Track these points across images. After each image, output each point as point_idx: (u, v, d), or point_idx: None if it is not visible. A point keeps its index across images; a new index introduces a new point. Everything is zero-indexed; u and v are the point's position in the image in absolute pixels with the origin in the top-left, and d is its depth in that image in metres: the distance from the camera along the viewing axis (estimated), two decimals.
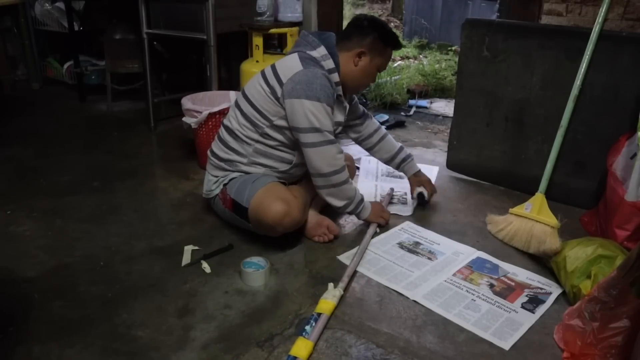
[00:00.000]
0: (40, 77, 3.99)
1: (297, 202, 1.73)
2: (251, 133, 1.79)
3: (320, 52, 1.76)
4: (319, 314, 1.41)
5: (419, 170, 2.12)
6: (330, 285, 1.54)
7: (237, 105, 1.85)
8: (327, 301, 1.46)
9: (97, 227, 1.92)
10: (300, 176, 1.95)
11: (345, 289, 1.56)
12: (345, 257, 1.74)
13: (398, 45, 1.89)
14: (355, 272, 1.66)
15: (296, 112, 1.68)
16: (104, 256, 1.73)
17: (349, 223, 2.00)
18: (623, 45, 1.91)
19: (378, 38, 1.80)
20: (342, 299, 1.52)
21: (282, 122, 1.75)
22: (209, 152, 1.92)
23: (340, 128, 1.92)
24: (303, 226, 1.83)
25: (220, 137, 1.89)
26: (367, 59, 1.81)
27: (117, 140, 2.91)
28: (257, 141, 1.80)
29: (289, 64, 1.74)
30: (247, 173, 1.82)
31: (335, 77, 1.78)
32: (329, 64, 1.77)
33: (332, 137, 1.73)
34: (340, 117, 1.86)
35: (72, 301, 1.50)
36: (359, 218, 1.91)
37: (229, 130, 1.85)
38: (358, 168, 2.48)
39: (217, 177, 1.87)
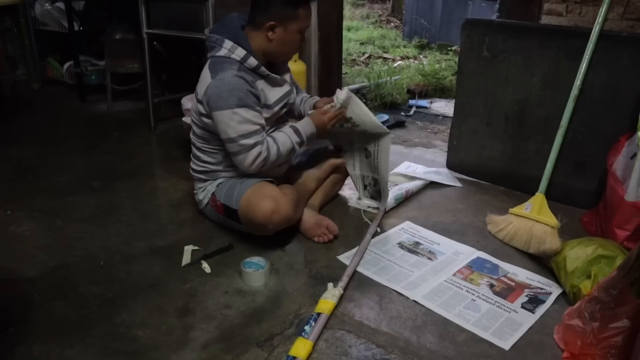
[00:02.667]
0: (40, 77, 3.99)
1: (286, 198, 1.72)
2: (212, 147, 1.81)
3: (226, 46, 1.71)
4: (319, 314, 1.41)
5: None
6: (330, 285, 1.54)
7: (192, 126, 1.87)
8: (327, 301, 1.46)
9: (97, 227, 1.92)
10: (282, 164, 1.91)
11: (345, 289, 1.56)
12: (345, 257, 1.74)
13: None
14: (355, 272, 1.66)
15: (216, 124, 1.70)
16: (104, 256, 1.73)
17: (349, 223, 2.00)
18: (623, 45, 1.91)
19: (283, 3, 1.70)
20: (342, 298, 1.52)
21: None
22: (190, 170, 1.94)
23: (283, 103, 1.86)
24: (300, 225, 1.84)
25: (192, 154, 1.91)
26: (281, 30, 1.73)
27: (117, 140, 2.91)
28: (222, 149, 1.80)
29: (202, 79, 1.73)
30: (230, 177, 1.83)
31: (252, 61, 1.72)
32: (239, 53, 1.71)
33: (249, 142, 1.67)
34: (278, 93, 1.83)
35: (72, 301, 1.50)
36: (310, 141, 1.88)
37: (196, 147, 1.87)
38: None
39: (202, 187, 1.88)
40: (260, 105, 1.74)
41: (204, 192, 1.87)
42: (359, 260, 1.70)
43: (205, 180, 1.87)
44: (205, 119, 1.75)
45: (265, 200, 1.66)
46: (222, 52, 1.72)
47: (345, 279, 1.57)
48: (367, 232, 1.86)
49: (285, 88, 1.88)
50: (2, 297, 1.53)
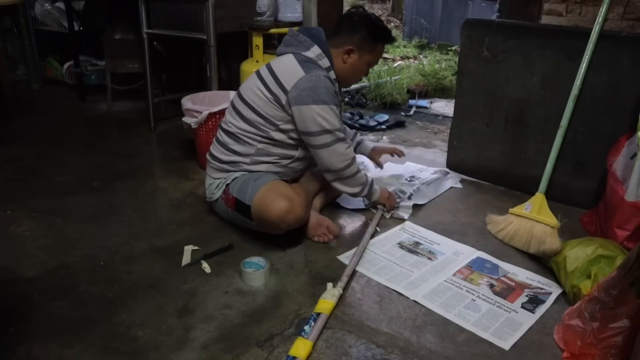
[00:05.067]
0: (40, 77, 3.99)
1: (300, 199, 1.73)
2: (254, 136, 1.79)
3: (314, 52, 1.77)
4: (318, 314, 1.41)
5: (374, 146, 2.28)
6: (329, 285, 1.54)
7: (235, 109, 1.85)
8: (327, 301, 1.46)
9: (97, 227, 1.92)
10: (301, 170, 1.96)
11: (345, 289, 1.56)
12: (345, 257, 1.74)
13: (390, 40, 1.88)
14: (355, 271, 1.66)
15: (306, 118, 1.70)
16: (104, 256, 1.73)
17: (349, 223, 2.00)
18: (623, 45, 1.91)
19: (368, 35, 1.80)
20: (342, 299, 1.52)
21: (289, 126, 1.77)
22: (208, 156, 1.92)
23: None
24: (304, 226, 1.83)
25: (219, 141, 1.88)
26: (356, 56, 1.82)
27: (117, 140, 2.91)
28: (260, 142, 1.80)
29: (289, 70, 1.73)
30: (250, 172, 1.82)
31: (332, 74, 1.80)
32: (325, 62, 1.78)
33: (341, 134, 1.75)
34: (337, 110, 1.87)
35: (72, 301, 1.50)
36: (369, 200, 1.97)
37: (229, 134, 1.84)
38: None
39: (219, 179, 1.86)
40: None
41: (219, 186, 1.86)
42: (358, 260, 1.70)
43: (226, 171, 1.85)
44: (279, 107, 1.73)
45: (281, 200, 1.66)
46: (309, 54, 1.77)
47: (344, 278, 1.57)
48: (366, 232, 1.86)
49: (338, 111, 1.89)
50: (2, 297, 1.53)
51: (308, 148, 1.81)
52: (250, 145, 1.80)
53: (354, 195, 1.88)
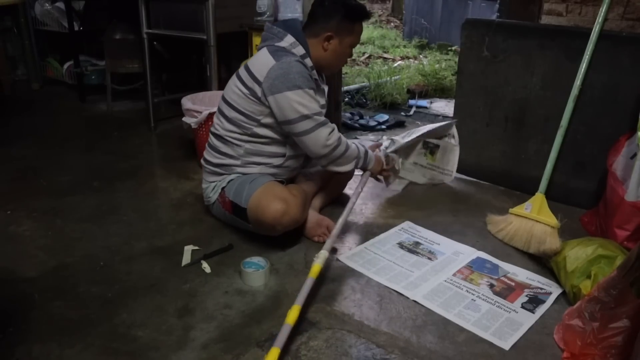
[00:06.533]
0: (40, 77, 3.99)
1: (296, 200, 1.73)
2: (239, 135, 1.80)
3: (288, 40, 1.76)
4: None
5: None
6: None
7: (220, 111, 1.86)
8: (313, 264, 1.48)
9: (97, 227, 1.92)
10: (297, 169, 1.96)
11: (344, 287, 1.56)
12: (345, 257, 1.74)
13: (367, 16, 1.86)
14: (355, 271, 1.65)
15: (282, 106, 1.69)
16: (104, 256, 1.73)
17: (349, 224, 1.99)
18: (623, 45, 1.91)
19: (344, 18, 1.77)
20: (342, 298, 1.52)
21: (269, 120, 1.76)
22: (202, 161, 1.93)
23: (323, 111, 1.90)
24: (304, 226, 1.83)
25: (210, 145, 1.89)
26: (336, 42, 1.80)
27: (117, 140, 2.91)
28: (247, 141, 1.80)
29: (261, 61, 1.73)
30: (243, 174, 1.82)
31: (308, 62, 1.78)
32: (299, 50, 1.76)
33: (321, 118, 1.73)
34: (321, 100, 1.85)
35: (72, 301, 1.50)
36: (365, 170, 1.95)
37: (217, 137, 1.85)
38: None
39: (214, 182, 1.87)
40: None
41: (215, 189, 1.86)
42: (345, 220, 1.73)
43: (219, 174, 1.85)
44: (256, 100, 1.73)
45: (276, 202, 1.66)
46: (282, 44, 1.76)
47: (330, 240, 1.62)
48: (353, 193, 1.86)
49: (323, 101, 1.87)
50: (2, 297, 1.53)
51: (296, 142, 1.80)
52: (237, 146, 1.81)
53: (351, 171, 1.90)
